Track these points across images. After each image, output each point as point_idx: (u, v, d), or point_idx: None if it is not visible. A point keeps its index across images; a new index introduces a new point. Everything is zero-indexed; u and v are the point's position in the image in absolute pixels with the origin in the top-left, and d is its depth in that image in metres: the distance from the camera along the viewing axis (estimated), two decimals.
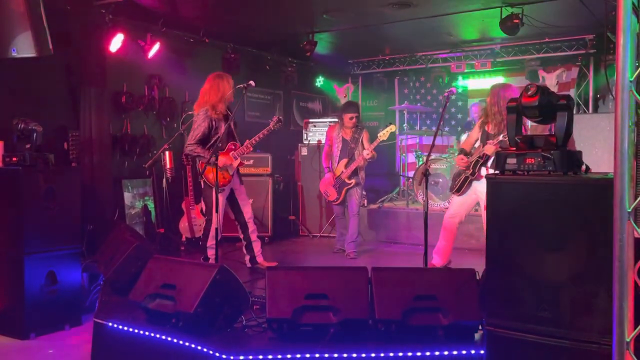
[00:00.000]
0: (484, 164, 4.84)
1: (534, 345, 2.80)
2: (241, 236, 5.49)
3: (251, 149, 5.32)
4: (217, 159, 4.71)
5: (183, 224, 6.68)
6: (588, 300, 2.65)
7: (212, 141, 5.08)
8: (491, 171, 4.72)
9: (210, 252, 5.15)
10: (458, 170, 5.06)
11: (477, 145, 5.01)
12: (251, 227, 5.43)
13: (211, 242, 5.14)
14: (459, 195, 5.03)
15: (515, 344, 2.86)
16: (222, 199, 5.15)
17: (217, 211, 4.74)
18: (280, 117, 5.45)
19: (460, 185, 4.96)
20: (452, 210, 5.12)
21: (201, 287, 3.50)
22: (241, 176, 5.46)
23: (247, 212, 5.41)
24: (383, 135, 6.15)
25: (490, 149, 4.71)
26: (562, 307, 2.73)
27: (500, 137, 4.68)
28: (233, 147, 5.24)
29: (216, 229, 4.85)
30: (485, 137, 4.88)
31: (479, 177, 4.86)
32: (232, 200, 5.40)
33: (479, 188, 4.87)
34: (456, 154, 4.96)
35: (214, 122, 5.11)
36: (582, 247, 2.69)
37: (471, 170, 4.89)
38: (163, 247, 6.31)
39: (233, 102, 5.27)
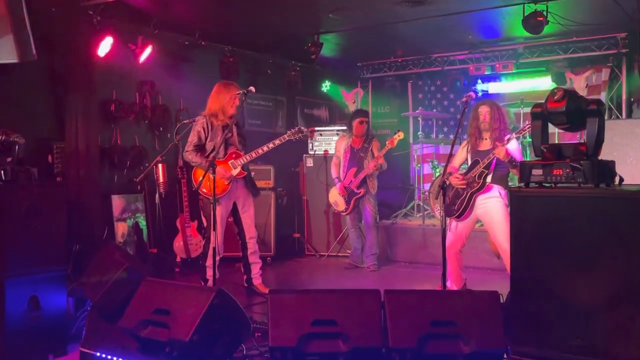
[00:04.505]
0: (489, 172, 4.93)
1: None
2: (240, 254, 5.54)
3: (254, 157, 5.36)
4: (214, 170, 4.72)
5: (178, 243, 6.69)
6: (625, 324, 2.63)
7: (210, 150, 5.21)
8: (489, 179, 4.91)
9: (210, 273, 5.18)
10: (455, 191, 5.06)
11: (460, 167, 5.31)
12: (251, 248, 5.47)
13: (210, 261, 5.17)
14: (461, 221, 5.03)
15: None
16: (219, 211, 5.20)
17: (214, 228, 4.75)
18: (302, 128, 5.54)
19: (464, 208, 4.95)
20: (452, 237, 5.06)
21: (198, 313, 3.49)
22: (252, 189, 5.50)
23: (250, 232, 5.46)
24: (390, 142, 6.47)
25: (501, 151, 4.71)
26: (596, 333, 2.70)
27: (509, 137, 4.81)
28: (234, 156, 5.28)
29: (214, 248, 4.86)
30: (479, 155, 5.00)
31: (487, 189, 4.90)
32: (235, 215, 5.46)
33: (482, 202, 4.93)
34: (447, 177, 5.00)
35: (209, 129, 5.24)
36: (617, 267, 2.67)
37: (479, 183, 4.91)
38: (156, 269, 6.31)
39: (234, 113, 5.30)
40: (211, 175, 4.73)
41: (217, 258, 5.06)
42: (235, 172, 5.25)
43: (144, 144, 7.15)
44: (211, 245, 5.07)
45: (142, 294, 3.95)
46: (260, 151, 5.35)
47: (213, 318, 3.51)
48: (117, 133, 6.87)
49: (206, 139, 5.26)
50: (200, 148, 5.27)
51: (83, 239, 5.86)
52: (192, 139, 5.27)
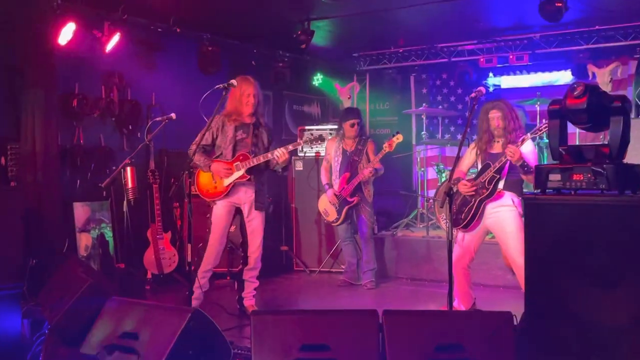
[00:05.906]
0: (501, 178, 4.95)
1: None
2: (221, 270, 5.57)
3: (262, 160, 5.39)
4: (190, 173, 4.79)
5: (148, 257, 6.66)
6: None
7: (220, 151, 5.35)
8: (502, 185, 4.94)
9: (202, 282, 5.29)
10: (463, 199, 5.09)
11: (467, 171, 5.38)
12: (251, 264, 5.52)
13: (205, 268, 5.34)
14: (468, 232, 5.06)
15: None
16: (216, 213, 5.36)
17: (189, 240, 4.76)
18: (321, 136, 5.60)
19: (472, 217, 4.98)
20: (460, 251, 5.10)
21: (170, 337, 3.48)
22: (260, 197, 5.51)
23: (253, 245, 5.51)
24: (388, 146, 6.48)
25: (515, 153, 4.72)
26: (620, 358, 2.71)
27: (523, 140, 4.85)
28: (241, 158, 5.34)
29: (189, 262, 4.86)
30: (490, 159, 5.03)
31: (499, 196, 4.94)
32: (241, 223, 5.58)
33: (492, 211, 4.96)
34: (454, 183, 5.04)
35: (220, 129, 5.37)
36: None
37: (489, 189, 4.93)
38: (123, 286, 6.28)
39: (251, 112, 5.41)
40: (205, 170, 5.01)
41: (210, 270, 5.29)
42: (237, 175, 5.31)
43: (111, 144, 7.14)
44: (206, 252, 5.26)
45: (107, 315, 3.93)
46: (269, 155, 5.36)
47: (188, 343, 3.50)
48: (79, 132, 6.85)
49: (215, 138, 5.39)
50: (207, 148, 5.40)
51: (41, 252, 5.83)
52: (199, 136, 5.32)
